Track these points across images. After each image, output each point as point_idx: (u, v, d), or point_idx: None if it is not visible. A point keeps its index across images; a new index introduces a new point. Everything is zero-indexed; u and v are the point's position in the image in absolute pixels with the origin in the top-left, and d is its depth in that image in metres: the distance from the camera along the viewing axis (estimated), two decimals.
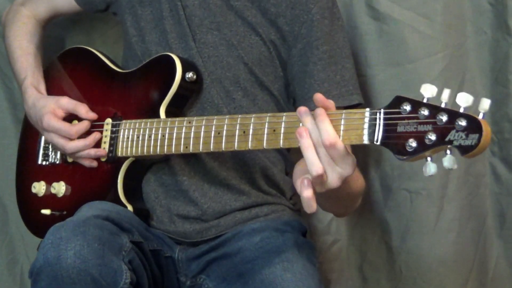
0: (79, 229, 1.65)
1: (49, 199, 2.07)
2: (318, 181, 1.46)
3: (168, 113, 1.90)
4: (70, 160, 2.05)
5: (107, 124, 1.97)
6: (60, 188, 2.04)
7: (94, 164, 1.98)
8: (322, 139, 1.43)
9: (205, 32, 1.96)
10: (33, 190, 2.09)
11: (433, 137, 1.31)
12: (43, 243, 1.66)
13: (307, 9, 1.89)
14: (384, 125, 1.39)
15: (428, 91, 1.35)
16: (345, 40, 1.94)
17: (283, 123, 1.56)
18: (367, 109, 1.42)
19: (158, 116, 1.89)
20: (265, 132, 1.59)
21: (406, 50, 2.17)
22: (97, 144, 1.97)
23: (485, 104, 1.29)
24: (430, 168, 1.33)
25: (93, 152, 1.96)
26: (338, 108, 1.51)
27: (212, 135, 1.71)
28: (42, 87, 2.11)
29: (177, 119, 1.82)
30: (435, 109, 1.32)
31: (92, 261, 1.61)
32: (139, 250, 1.80)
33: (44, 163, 2.12)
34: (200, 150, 1.74)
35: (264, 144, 1.59)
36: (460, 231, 2.23)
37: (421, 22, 2.15)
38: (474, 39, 2.21)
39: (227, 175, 1.95)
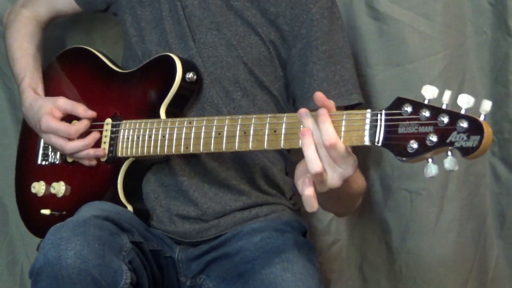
0: (79, 229, 1.65)
1: (49, 199, 2.07)
2: (318, 179, 1.46)
3: (168, 114, 1.89)
4: (70, 160, 2.05)
5: (107, 124, 1.97)
6: (59, 188, 2.04)
7: (93, 162, 1.98)
8: (323, 140, 1.43)
9: (204, 32, 1.96)
10: (33, 190, 2.09)
11: (434, 138, 1.31)
12: (43, 243, 1.65)
13: (307, 9, 1.89)
14: (385, 126, 1.39)
15: (429, 92, 1.35)
16: (345, 40, 1.94)
17: (283, 124, 1.56)
18: (368, 110, 1.42)
19: (158, 116, 1.89)
20: (266, 132, 1.59)
21: (406, 50, 2.17)
22: (97, 144, 1.97)
23: (487, 105, 1.29)
24: (431, 169, 1.33)
25: (92, 152, 1.96)
26: (337, 107, 1.52)
27: (213, 135, 1.71)
28: (40, 88, 2.10)
29: (178, 119, 1.82)
30: (436, 110, 1.32)
31: (93, 261, 1.61)
32: (139, 250, 1.80)
33: (43, 163, 2.12)
34: (201, 150, 1.74)
35: (265, 145, 1.59)
36: (460, 231, 2.23)
37: (421, 22, 2.15)
38: (474, 39, 2.21)
39: (227, 176, 1.95)
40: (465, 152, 1.28)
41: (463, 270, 2.26)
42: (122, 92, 2.01)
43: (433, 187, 2.21)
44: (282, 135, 1.56)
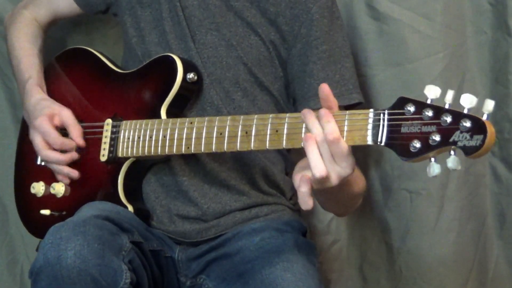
0: (79, 229, 1.65)
1: (49, 200, 2.06)
2: (319, 182, 1.46)
3: (169, 114, 1.89)
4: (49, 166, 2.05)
5: (107, 124, 1.97)
6: (59, 188, 2.03)
7: (66, 180, 2.00)
8: (326, 134, 1.44)
9: (204, 33, 1.96)
10: (32, 191, 2.08)
11: (437, 138, 1.32)
12: (43, 243, 1.65)
13: (307, 8, 1.89)
14: (388, 125, 1.39)
15: (431, 92, 1.35)
16: (345, 39, 1.95)
17: (286, 124, 1.56)
18: (371, 109, 1.43)
19: (158, 116, 1.89)
20: (268, 132, 1.59)
21: (406, 50, 2.17)
22: (97, 145, 1.97)
23: (489, 105, 1.30)
24: (434, 168, 1.34)
25: (66, 170, 1.98)
26: (338, 107, 1.51)
27: (214, 135, 1.71)
28: (44, 88, 2.11)
29: (179, 119, 1.82)
30: (439, 110, 1.33)
31: (92, 261, 1.61)
32: (139, 250, 1.80)
33: (43, 163, 2.11)
34: (202, 150, 1.75)
35: (267, 145, 1.60)
36: (460, 231, 2.23)
37: (421, 22, 2.15)
38: (474, 39, 2.22)
39: (227, 176, 1.95)
40: (468, 151, 1.28)
41: (463, 270, 2.26)
42: (122, 92, 2.01)
43: (433, 187, 2.20)
44: (284, 135, 1.56)
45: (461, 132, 1.29)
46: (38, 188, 2.07)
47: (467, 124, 1.29)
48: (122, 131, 1.93)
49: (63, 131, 2.01)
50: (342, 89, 1.89)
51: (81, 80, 2.12)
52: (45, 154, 1.98)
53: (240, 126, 1.65)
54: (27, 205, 2.14)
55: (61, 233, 1.64)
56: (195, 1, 1.97)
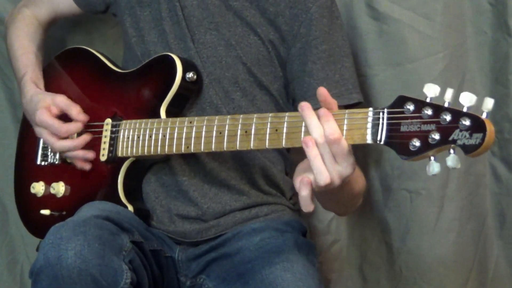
0: (80, 229, 1.65)
1: (49, 200, 2.06)
2: (323, 188, 1.46)
3: (169, 113, 1.90)
4: (69, 160, 2.05)
5: (107, 124, 1.97)
6: (59, 188, 2.04)
7: (86, 167, 1.98)
8: (326, 135, 1.43)
9: (203, 33, 1.96)
10: (32, 191, 2.09)
11: (436, 136, 1.32)
12: (44, 243, 1.65)
13: (306, 8, 1.89)
14: (388, 124, 1.39)
15: (431, 90, 1.35)
16: (344, 39, 1.95)
17: (285, 123, 1.56)
18: (370, 108, 1.43)
19: (158, 116, 1.89)
20: (267, 132, 1.59)
21: (406, 50, 2.17)
22: (97, 144, 1.97)
23: (489, 103, 1.30)
24: (434, 167, 1.34)
25: (81, 153, 1.96)
26: (338, 107, 1.51)
27: (214, 134, 1.71)
28: (41, 84, 2.11)
29: (178, 119, 1.82)
30: (438, 108, 1.33)
31: (93, 261, 1.61)
32: (139, 250, 1.80)
33: (43, 163, 2.12)
34: (202, 150, 1.75)
35: (267, 144, 1.60)
36: (460, 231, 2.23)
37: (421, 22, 2.15)
38: (474, 39, 2.21)
39: (227, 176, 1.95)
40: (468, 149, 1.28)
41: (463, 270, 2.26)
42: (122, 92, 2.01)
43: (433, 187, 2.20)
44: (284, 134, 1.56)
45: (461, 130, 1.29)
46: (38, 188, 2.08)
47: (467, 122, 1.29)
48: (122, 131, 1.93)
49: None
50: (341, 89, 1.89)
51: (81, 79, 2.12)
52: (58, 145, 1.97)
53: (239, 125, 1.66)
54: (27, 205, 2.14)
55: (61, 233, 1.64)
56: (195, 1, 1.97)
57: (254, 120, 1.63)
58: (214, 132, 1.71)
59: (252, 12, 1.94)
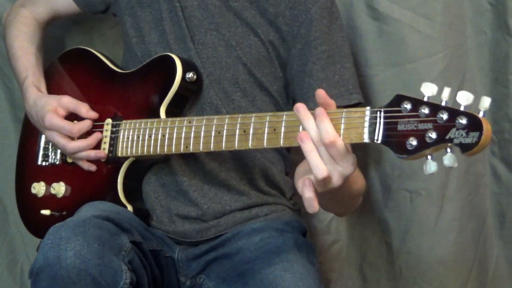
0: (79, 229, 1.65)
1: (49, 200, 2.07)
2: (323, 183, 1.46)
3: (168, 113, 1.90)
4: (70, 160, 2.05)
5: (107, 124, 1.97)
6: (59, 188, 2.04)
7: (93, 168, 1.98)
8: (322, 138, 1.43)
9: (203, 33, 1.96)
10: (33, 191, 2.09)
11: (433, 135, 1.32)
12: (43, 243, 1.65)
13: (306, 8, 1.89)
14: (385, 123, 1.39)
15: (428, 89, 1.35)
16: (344, 39, 1.95)
17: (283, 122, 1.56)
18: (368, 107, 1.43)
19: (158, 116, 1.89)
20: (266, 131, 1.59)
21: (406, 50, 2.17)
22: (97, 144, 1.97)
23: (486, 102, 1.30)
24: (431, 166, 1.34)
25: (93, 153, 1.96)
26: (337, 107, 1.50)
27: (213, 134, 1.71)
28: (43, 86, 2.11)
29: (178, 119, 1.82)
30: (435, 107, 1.32)
31: (92, 261, 1.61)
32: (139, 250, 1.80)
33: (43, 163, 2.12)
34: (201, 149, 1.75)
35: (265, 143, 1.59)
36: (460, 231, 2.23)
37: (421, 22, 2.15)
38: (474, 39, 2.22)
39: (227, 176, 1.95)
40: (465, 148, 1.28)
41: (463, 270, 2.26)
42: (122, 92, 2.02)
43: (433, 187, 2.20)
44: (282, 134, 1.56)
45: (457, 129, 1.29)
46: (38, 188, 2.08)
47: (463, 121, 1.29)
48: (122, 131, 1.93)
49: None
50: (341, 90, 1.89)
51: (82, 80, 2.12)
52: (72, 146, 1.96)
53: (238, 125, 1.66)
54: (27, 205, 2.14)
55: (61, 233, 1.64)
56: (195, 1, 1.97)
57: (252, 120, 1.63)
58: (213, 132, 1.71)
59: (252, 13, 1.94)
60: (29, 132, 2.16)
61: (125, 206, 1.93)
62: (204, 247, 1.96)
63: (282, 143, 1.56)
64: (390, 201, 2.27)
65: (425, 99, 1.35)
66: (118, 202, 1.94)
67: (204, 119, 1.74)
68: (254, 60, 1.94)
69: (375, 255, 2.35)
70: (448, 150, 1.31)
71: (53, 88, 2.12)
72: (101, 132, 1.97)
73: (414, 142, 1.34)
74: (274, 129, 1.58)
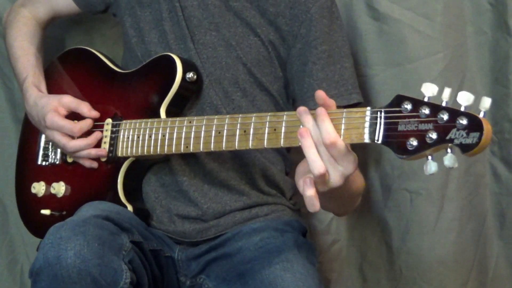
0: (79, 229, 1.65)
1: (49, 200, 2.07)
2: (320, 180, 1.46)
3: (169, 113, 1.90)
4: (70, 160, 2.05)
5: (107, 124, 1.97)
6: (59, 188, 2.04)
7: (95, 165, 1.98)
8: (323, 138, 1.43)
9: (203, 33, 1.96)
10: (33, 191, 2.09)
11: (434, 135, 1.32)
12: (43, 243, 1.65)
13: (306, 8, 1.89)
14: (385, 124, 1.39)
15: (429, 90, 1.35)
16: (344, 39, 1.95)
17: (283, 122, 1.56)
18: (368, 108, 1.43)
19: (158, 116, 1.89)
20: (266, 131, 1.59)
21: (406, 50, 2.17)
22: (97, 144, 1.97)
23: (486, 102, 1.30)
24: (431, 166, 1.34)
25: (93, 152, 1.96)
26: (337, 107, 1.51)
27: (213, 134, 1.71)
28: (43, 86, 2.11)
29: (178, 118, 1.82)
30: (436, 108, 1.33)
31: (92, 261, 1.61)
32: (139, 250, 1.80)
33: (43, 163, 2.12)
34: (201, 149, 1.75)
35: (265, 143, 1.59)
36: (460, 231, 2.23)
37: (421, 22, 2.15)
38: (474, 39, 2.22)
39: (227, 176, 1.95)
40: (465, 148, 1.28)
41: (463, 270, 2.26)
42: (122, 92, 2.02)
43: (433, 187, 2.20)
44: (282, 134, 1.56)
45: (458, 129, 1.29)
46: (38, 188, 2.08)
47: (464, 121, 1.29)
48: (122, 131, 1.93)
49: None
50: (341, 90, 1.90)
51: (82, 80, 2.12)
52: (73, 145, 1.96)
53: (238, 125, 1.66)
54: (27, 205, 2.14)
55: (61, 233, 1.64)
56: (195, 1, 1.97)
57: (252, 120, 1.63)
58: (213, 132, 1.71)
59: (252, 13, 1.94)
60: (29, 132, 2.16)
61: (125, 206, 1.93)
62: (204, 247, 1.96)
63: (282, 143, 1.56)
64: (390, 201, 2.27)
65: (426, 99, 1.35)
66: (118, 202, 1.94)
67: (205, 119, 1.74)
68: (254, 60, 1.94)
69: (375, 255, 2.35)
70: (449, 150, 1.31)
71: (52, 88, 2.12)
72: (101, 132, 1.97)
73: (414, 142, 1.34)
74: (275, 129, 1.58)
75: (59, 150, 2.08)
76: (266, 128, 1.59)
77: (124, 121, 1.94)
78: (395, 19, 2.17)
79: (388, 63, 2.20)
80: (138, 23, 2.04)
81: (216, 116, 1.72)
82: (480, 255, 2.28)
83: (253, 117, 1.63)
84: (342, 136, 1.44)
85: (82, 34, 2.45)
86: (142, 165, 1.98)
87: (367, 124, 1.42)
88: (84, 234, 1.64)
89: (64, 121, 1.96)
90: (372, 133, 1.41)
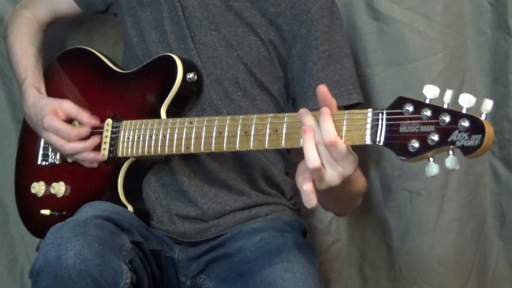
0: (80, 229, 1.65)
1: (49, 200, 2.06)
2: (316, 175, 1.46)
3: (169, 114, 1.90)
4: (70, 160, 2.05)
5: (107, 124, 1.97)
6: (59, 188, 2.04)
7: (94, 165, 1.98)
8: (323, 138, 1.44)
9: (204, 33, 1.96)
10: (33, 191, 2.09)
11: (435, 137, 1.32)
12: (44, 243, 1.65)
13: (307, 8, 1.90)
14: (387, 125, 1.39)
15: (430, 92, 1.35)
16: (345, 39, 1.95)
17: (285, 123, 1.56)
18: (370, 109, 1.43)
19: (158, 116, 1.89)
20: (267, 132, 1.59)
21: (406, 50, 2.17)
22: (98, 145, 1.97)
23: (488, 105, 1.30)
24: (433, 168, 1.34)
25: (91, 156, 1.96)
26: (338, 107, 1.51)
27: (214, 135, 1.71)
28: (42, 88, 2.11)
29: (178, 119, 1.82)
30: (437, 109, 1.33)
31: (93, 261, 1.61)
32: (139, 250, 1.80)
33: (43, 163, 2.12)
34: (202, 150, 1.75)
35: (266, 144, 1.59)
36: (460, 231, 2.23)
37: (421, 22, 2.15)
38: (474, 39, 2.21)
39: (227, 176, 1.95)
40: (467, 151, 1.28)
41: (463, 270, 2.26)
42: (123, 92, 2.01)
43: (433, 187, 2.20)
44: (283, 135, 1.56)
45: (460, 131, 1.29)
46: (38, 188, 2.08)
47: (466, 123, 1.29)
48: (122, 131, 1.93)
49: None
50: (341, 89, 1.90)
51: (82, 80, 2.12)
52: (69, 147, 1.96)
53: (239, 126, 1.66)
54: (27, 205, 2.14)
55: (61, 233, 1.64)
56: (195, 1, 1.97)
57: (253, 121, 1.63)
58: (214, 133, 1.71)
59: (252, 13, 1.94)
60: (29, 132, 2.15)
61: (125, 206, 1.93)
62: (204, 247, 1.96)
63: (283, 144, 1.57)
64: (390, 201, 2.27)
65: (427, 101, 1.35)
66: (118, 202, 1.94)
67: (205, 120, 1.74)
68: (255, 60, 1.94)
69: (375, 255, 2.35)
70: (450, 152, 1.31)
71: (52, 88, 2.12)
72: (101, 132, 1.97)
73: (416, 144, 1.34)
74: (276, 130, 1.58)
75: None
76: (267, 129, 1.59)
77: (124, 122, 1.94)
78: (395, 19, 2.17)
79: (388, 63, 2.20)
80: (138, 23, 2.04)
81: (217, 117, 1.72)
82: (480, 255, 2.28)
83: (254, 118, 1.63)
84: (343, 138, 1.44)
85: (83, 34, 2.45)
86: (142, 166, 1.98)
87: (368, 126, 1.42)
88: (85, 234, 1.64)
89: (63, 125, 1.96)
90: (374, 134, 1.41)
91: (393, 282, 2.33)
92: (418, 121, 1.34)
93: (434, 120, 1.32)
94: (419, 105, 1.35)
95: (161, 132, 1.84)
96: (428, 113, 1.33)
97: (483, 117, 1.29)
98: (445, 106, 1.32)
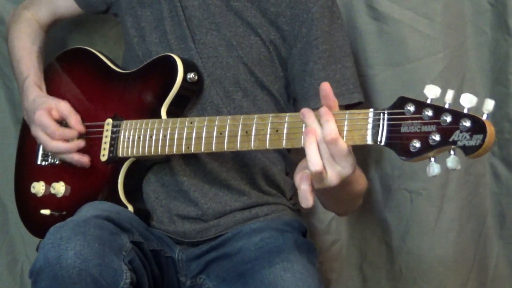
0: (80, 229, 1.65)
1: (49, 200, 2.06)
2: (317, 178, 1.46)
3: (169, 114, 1.90)
4: (55, 161, 2.05)
5: (107, 124, 1.97)
6: (59, 188, 2.04)
7: (84, 160, 1.98)
8: (324, 135, 1.44)
9: (204, 33, 1.96)
10: (33, 190, 2.09)
11: (437, 137, 1.32)
12: (43, 243, 1.65)
13: (307, 8, 1.90)
14: (388, 125, 1.39)
15: (431, 91, 1.35)
16: (345, 38, 1.95)
17: (286, 123, 1.56)
18: (371, 109, 1.43)
19: (159, 116, 1.89)
20: (268, 132, 1.59)
21: (406, 50, 2.17)
22: (98, 144, 1.97)
23: (489, 105, 1.30)
24: (434, 168, 1.34)
25: (76, 158, 1.97)
26: (339, 106, 1.51)
27: (214, 135, 1.71)
28: (43, 87, 2.12)
29: (179, 119, 1.82)
30: (439, 109, 1.33)
31: (93, 261, 1.61)
32: (139, 250, 1.80)
33: (43, 163, 2.12)
34: (202, 150, 1.75)
35: (267, 144, 1.60)
36: (460, 231, 2.23)
37: (421, 22, 2.15)
38: (474, 39, 2.21)
39: (227, 176, 1.95)
40: (468, 151, 1.28)
41: (463, 270, 2.26)
42: (123, 92, 2.01)
43: (433, 187, 2.20)
44: (284, 135, 1.56)
45: (461, 131, 1.29)
46: (38, 188, 2.08)
47: (467, 123, 1.29)
48: (122, 131, 1.93)
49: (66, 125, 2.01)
50: (342, 89, 1.90)
51: (82, 80, 2.12)
52: (52, 145, 1.97)
53: (240, 125, 1.66)
54: (27, 205, 2.14)
55: (61, 233, 1.64)
56: (196, 1, 1.97)
57: (254, 121, 1.63)
58: (215, 133, 1.71)
59: (253, 13, 1.94)
60: (29, 131, 2.15)
61: (125, 206, 1.93)
62: (204, 247, 1.96)
63: (284, 144, 1.57)
64: (390, 201, 2.27)
65: (428, 101, 1.35)
66: (118, 202, 1.94)
67: (206, 120, 1.74)
68: (255, 59, 1.94)
69: (375, 255, 2.35)
70: (452, 152, 1.31)
71: (52, 87, 2.13)
72: (101, 132, 1.97)
73: (417, 144, 1.34)
74: (277, 130, 1.58)
75: None
76: (268, 129, 1.59)
77: (124, 121, 1.94)
78: (395, 19, 2.17)
79: (388, 63, 2.20)
80: (139, 23, 2.04)
81: (217, 117, 1.72)
82: (480, 255, 2.28)
83: (255, 118, 1.63)
84: (344, 138, 1.44)
85: (83, 35, 2.45)
86: (143, 165, 1.98)
87: (369, 126, 1.42)
88: (85, 234, 1.64)
89: (50, 122, 1.97)
90: (375, 134, 1.41)
91: (393, 282, 2.33)
92: (419, 121, 1.34)
93: (435, 120, 1.32)
94: (420, 105, 1.35)
95: (161, 132, 1.84)
96: (429, 113, 1.33)
97: (484, 117, 1.29)
98: (447, 106, 1.33)
